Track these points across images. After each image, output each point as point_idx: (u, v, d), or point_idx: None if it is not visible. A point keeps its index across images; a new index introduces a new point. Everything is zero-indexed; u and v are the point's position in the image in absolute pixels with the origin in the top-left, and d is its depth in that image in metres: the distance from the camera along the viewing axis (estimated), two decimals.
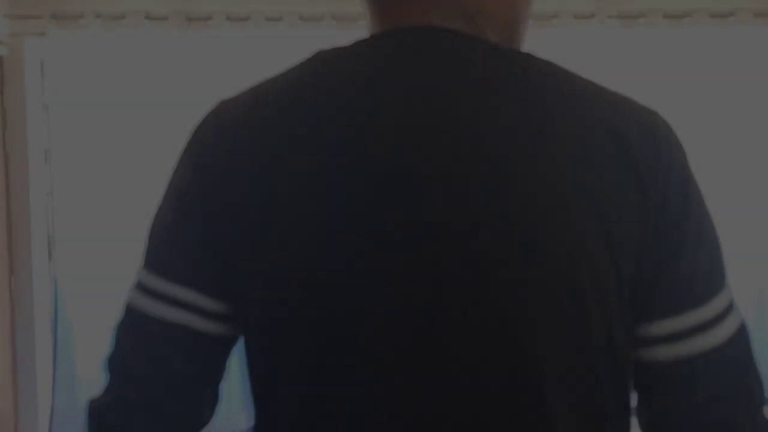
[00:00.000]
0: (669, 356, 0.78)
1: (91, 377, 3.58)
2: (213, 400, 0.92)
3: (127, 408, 0.90)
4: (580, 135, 0.79)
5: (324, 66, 0.87)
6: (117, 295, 3.69)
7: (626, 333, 0.77)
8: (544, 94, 0.83)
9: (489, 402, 0.74)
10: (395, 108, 0.77)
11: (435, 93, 0.78)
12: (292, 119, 0.81)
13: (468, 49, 0.82)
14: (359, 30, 3.64)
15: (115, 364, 0.94)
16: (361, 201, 0.75)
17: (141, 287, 0.94)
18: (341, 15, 3.63)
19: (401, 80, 0.79)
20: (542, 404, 0.73)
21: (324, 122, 0.79)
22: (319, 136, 0.78)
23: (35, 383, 3.69)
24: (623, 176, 0.79)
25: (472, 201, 0.75)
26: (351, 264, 0.75)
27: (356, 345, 0.75)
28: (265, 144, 0.81)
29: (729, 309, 0.80)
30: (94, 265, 3.55)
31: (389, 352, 0.74)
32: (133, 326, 0.92)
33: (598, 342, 0.76)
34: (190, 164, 0.89)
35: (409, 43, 0.81)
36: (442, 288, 0.74)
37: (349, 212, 0.75)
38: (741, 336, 0.79)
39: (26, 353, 3.67)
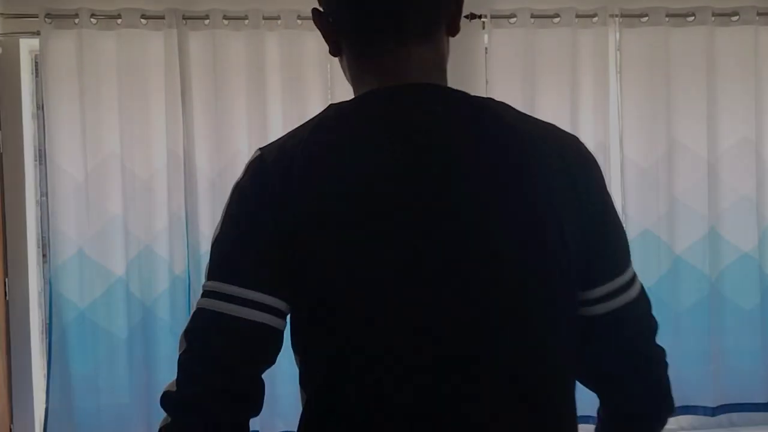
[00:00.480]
0: (604, 310, 1.14)
1: (86, 380, 3.54)
2: (263, 389, 1.13)
3: (221, 395, 1.05)
4: (538, 160, 1.08)
5: (345, 120, 1.11)
6: (112, 296, 3.68)
7: (571, 299, 1.11)
8: (508, 130, 1.11)
9: (499, 353, 1.05)
10: (404, 153, 1.06)
11: (429, 138, 1.09)
12: (332, 162, 1.07)
13: (449, 98, 1.17)
14: None
15: (199, 360, 1.07)
16: (388, 221, 1.04)
17: (214, 292, 1.07)
18: None
19: (404, 131, 1.08)
20: (534, 344, 1.08)
21: (354, 164, 1.06)
22: (351, 175, 1.05)
23: (30, 385, 3.67)
24: (566, 187, 1.08)
25: (471, 218, 1.05)
26: (392, 267, 1.03)
27: (396, 319, 1.03)
28: (315, 182, 1.05)
29: (635, 276, 1.19)
30: (89, 267, 3.53)
31: (431, 329, 1.03)
32: (212, 326, 1.06)
33: (554, 302, 1.08)
34: (249, 199, 1.09)
35: (407, 101, 1.12)
36: (464, 282, 1.04)
37: (377, 232, 1.04)
38: (644, 294, 1.18)
39: (21, 355, 3.65)
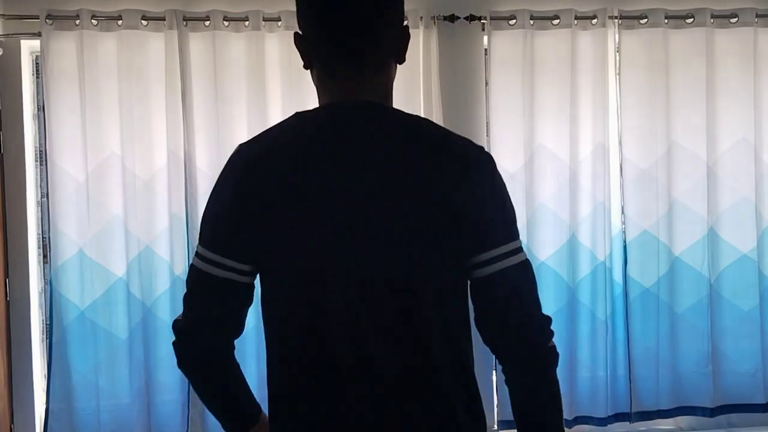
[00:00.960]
0: (491, 271, 1.40)
1: (86, 380, 3.55)
2: (243, 321, 1.52)
3: (208, 334, 1.49)
4: (442, 159, 1.40)
5: (303, 124, 1.48)
6: (113, 297, 3.67)
7: (462, 266, 1.42)
8: (424, 137, 1.44)
9: (390, 300, 1.38)
10: (344, 153, 1.41)
11: (366, 143, 1.42)
12: (287, 156, 1.42)
13: (383, 115, 1.46)
14: None
15: (192, 301, 1.49)
16: (332, 204, 1.38)
17: (201, 257, 1.47)
18: None
19: (347, 136, 1.43)
20: (434, 301, 1.40)
21: (305, 160, 1.41)
22: (302, 167, 1.40)
23: (31, 385, 3.68)
24: (463, 177, 1.39)
25: (387, 204, 1.38)
26: (328, 240, 1.38)
27: (330, 279, 1.38)
28: (274, 171, 1.41)
29: (519, 249, 1.43)
30: (90, 268, 3.54)
31: (356, 288, 1.38)
32: (199, 280, 1.47)
33: (452, 266, 1.41)
34: (229, 185, 1.44)
35: (351, 114, 1.45)
36: (379, 249, 1.38)
37: (318, 212, 1.39)
38: (527, 263, 1.43)
39: (21, 355, 3.65)
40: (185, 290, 1.50)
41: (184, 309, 1.50)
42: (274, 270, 1.44)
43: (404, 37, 1.48)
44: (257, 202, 1.39)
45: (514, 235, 1.44)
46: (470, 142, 1.48)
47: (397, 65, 1.49)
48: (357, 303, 1.37)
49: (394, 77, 1.51)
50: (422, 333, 1.39)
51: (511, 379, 1.45)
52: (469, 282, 1.44)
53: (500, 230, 1.43)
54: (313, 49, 1.47)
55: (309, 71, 1.53)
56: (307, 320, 1.41)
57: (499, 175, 1.46)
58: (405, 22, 1.50)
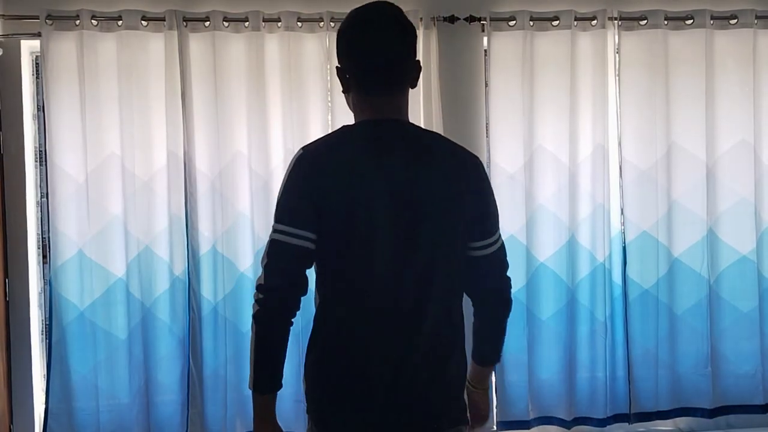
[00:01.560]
0: (482, 254, 1.95)
1: (85, 380, 3.56)
2: (308, 281, 1.89)
3: (286, 291, 1.86)
4: (452, 163, 1.90)
5: (351, 134, 1.93)
6: (112, 297, 3.67)
7: (464, 245, 1.92)
8: (437, 147, 1.94)
9: (423, 263, 1.83)
10: (380, 156, 1.86)
11: (395, 150, 1.87)
12: (343, 157, 1.86)
13: (406, 129, 1.93)
14: None
15: (274, 269, 1.85)
16: (373, 193, 1.82)
17: (280, 231, 1.85)
18: (339, 16, 3.61)
19: (382, 144, 1.87)
20: (442, 271, 1.86)
21: (354, 160, 1.85)
22: (353, 166, 1.84)
23: (30, 385, 3.68)
24: (465, 181, 1.89)
25: (416, 193, 1.83)
26: (371, 220, 1.81)
27: (366, 256, 1.83)
28: (333, 167, 1.84)
29: (500, 237, 1.99)
30: (89, 268, 3.54)
31: (389, 258, 1.82)
32: (279, 249, 1.84)
33: (456, 246, 1.89)
34: (300, 177, 1.85)
35: (384, 128, 1.90)
36: (407, 229, 1.83)
37: (366, 197, 1.82)
38: (503, 248, 2.00)
39: (21, 356, 3.65)
40: (265, 260, 1.87)
41: (265, 274, 1.86)
42: (328, 240, 1.84)
43: (417, 69, 1.96)
44: (323, 188, 1.82)
45: (498, 225, 2.01)
46: (469, 151, 1.98)
47: (411, 88, 1.96)
48: (396, 267, 1.84)
49: (408, 99, 1.96)
50: (442, 290, 1.88)
51: (483, 315, 2.06)
52: (465, 256, 1.95)
53: (494, 222, 1.99)
54: (352, 79, 1.91)
55: (345, 94, 1.98)
56: (358, 279, 1.86)
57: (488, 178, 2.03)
58: (417, 58, 1.97)
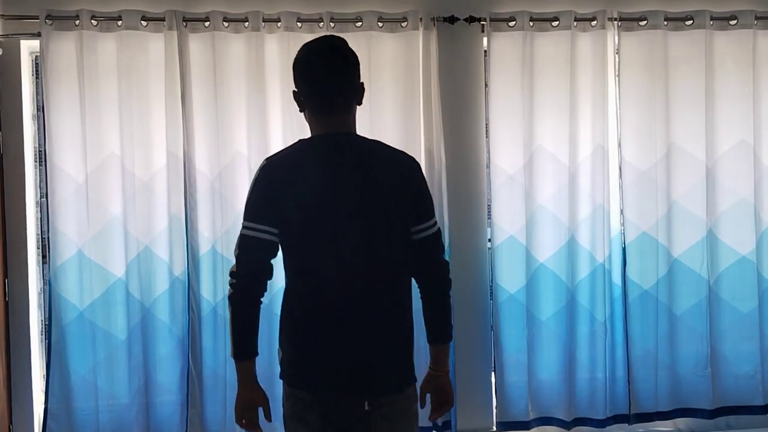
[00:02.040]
0: (421, 236, 2.27)
1: (85, 380, 3.56)
2: (272, 269, 2.25)
3: (253, 277, 2.23)
4: (390, 164, 2.27)
5: (306, 146, 2.27)
6: (112, 297, 3.67)
7: (406, 231, 2.25)
8: (377, 152, 2.29)
9: (373, 261, 2.20)
10: (331, 164, 2.22)
11: (346, 155, 2.23)
12: (299, 166, 2.20)
13: (352, 140, 2.27)
14: (354, 32, 3.62)
15: (243, 259, 2.22)
16: (326, 194, 2.18)
17: (248, 228, 2.21)
18: (339, 17, 3.61)
19: (332, 154, 2.22)
20: (385, 256, 2.22)
21: (310, 168, 2.20)
22: (309, 173, 2.18)
23: (29, 386, 3.67)
24: (400, 176, 2.25)
25: (360, 194, 2.20)
26: (321, 215, 2.17)
27: (321, 246, 2.18)
28: (292, 175, 2.18)
29: (436, 222, 2.31)
30: (89, 268, 3.54)
31: (335, 246, 2.19)
32: (248, 243, 2.21)
33: (398, 231, 2.22)
34: (264, 183, 2.20)
35: (334, 140, 2.24)
36: (355, 223, 2.18)
37: (320, 200, 2.17)
38: (439, 231, 2.33)
39: (20, 356, 3.65)
40: (237, 251, 2.24)
41: (237, 263, 2.24)
42: (292, 233, 2.20)
43: (361, 89, 2.30)
44: (283, 192, 2.18)
45: (433, 213, 2.34)
46: (406, 153, 2.37)
47: (357, 105, 2.31)
48: (347, 252, 2.19)
49: (355, 115, 2.32)
50: (390, 277, 2.25)
51: (428, 292, 2.36)
52: (406, 240, 2.28)
53: (430, 209, 2.32)
54: (305, 100, 2.27)
55: (302, 113, 2.32)
56: (314, 269, 2.21)
57: (423, 173, 2.38)
58: (361, 80, 2.30)
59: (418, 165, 2.34)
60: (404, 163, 2.31)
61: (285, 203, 2.17)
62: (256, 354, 2.29)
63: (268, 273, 2.24)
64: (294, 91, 2.28)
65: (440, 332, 2.40)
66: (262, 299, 2.26)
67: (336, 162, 2.22)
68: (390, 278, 2.24)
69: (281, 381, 2.32)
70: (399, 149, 2.37)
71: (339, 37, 2.33)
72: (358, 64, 2.29)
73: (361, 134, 2.35)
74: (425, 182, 2.34)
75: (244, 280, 2.22)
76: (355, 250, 2.19)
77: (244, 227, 2.22)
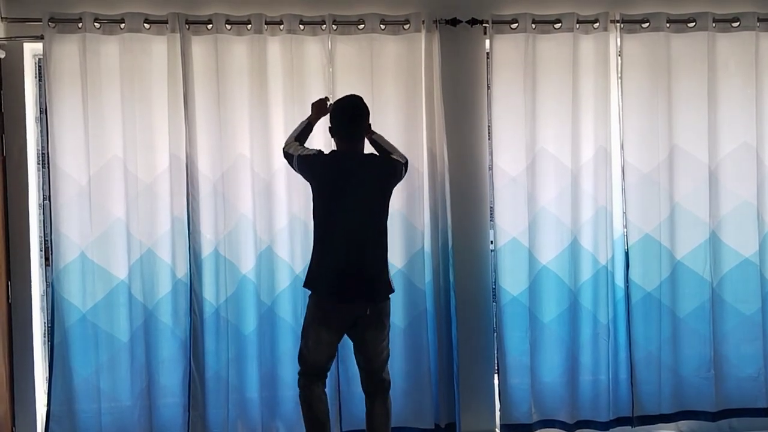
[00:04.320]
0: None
1: (87, 382, 3.56)
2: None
3: (299, 150, 3.45)
4: (379, 166, 3.39)
5: (332, 154, 3.39)
6: (114, 299, 3.68)
7: (387, 201, 3.36)
8: (375, 161, 3.42)
9: (367, 221, 3.29)
10: (343, 167, 3.32)
11: (352, 163, 3.33)
12: (328, 164, 3.34)
13: (361, 155, 3.39)
14: (357, 34, 3.62)
15: (295, 149, 3.42)
16: (340, 178, 3.29)
17: (297, 151, 3.39)
18: (342, 19, 3.62)
19: (346, 162, 3.34)
20: (376, 216, 3.33)
21: (332, 166, 3.34)
22: (331, 167, 3.34)
23: (32, 388, 3.68)
24: (385, 172, 3.36)
25: (360, 182, 3.28)
26: (336, 189, 3.27)
27: (336, 208, 3.27)
28: (324, 166, 3.34)
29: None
30: (92, 271, 3.54)
31: (345, 210, 3.26)
32: (300, 156, 3.37)
33: (382, 203, 3.33)
34: (311, 158, 3.35)
35: (348, 155, 3.36)
36: (355, 197, 3.28)
37: (336, 179, 3.29)
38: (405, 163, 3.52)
39: (23, 358, 3.65)
40: (291, 148, 3.39)
41: (290, 150, 3.39)
42: (317, 191, 3.29)
43: (368, 128, 3.39)
44: (317, 167, 3.31)
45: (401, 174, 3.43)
46: (393, 158, 3.38)
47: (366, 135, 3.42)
48: (348, 212, 3.23)
49: (365, 139, 3.39)
50: (378, 228, 3.30)
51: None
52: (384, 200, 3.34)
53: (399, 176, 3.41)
54: (335, 133, 3.36)
55: (332, 137, 3.43)
56: (330, 223, 3.25)
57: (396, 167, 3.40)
58: (369, 122, 3.40)
59: (401, 165, 3.38)
60: (385, 164, 3.35)
61: (316, 175, 3.29)
62: (312, 127, 3.49)
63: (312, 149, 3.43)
64: (329, 126, 3.38)
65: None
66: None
67: (350, 166, 3.29)
68: (375, 225, 3.27)
69: (308, 291, 3.30)
70: (384, 157, 3.41)
71: (358, 96, 3.38)
72: (368, 111, 3.36)
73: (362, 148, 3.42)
74: (400, 173, 3.36)
75: (289, 149, 3.39)
76: (353, 208, 3.22)
77: (296, 152, 3.34)
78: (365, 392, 3.35)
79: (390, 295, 3.31)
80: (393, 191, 3.36)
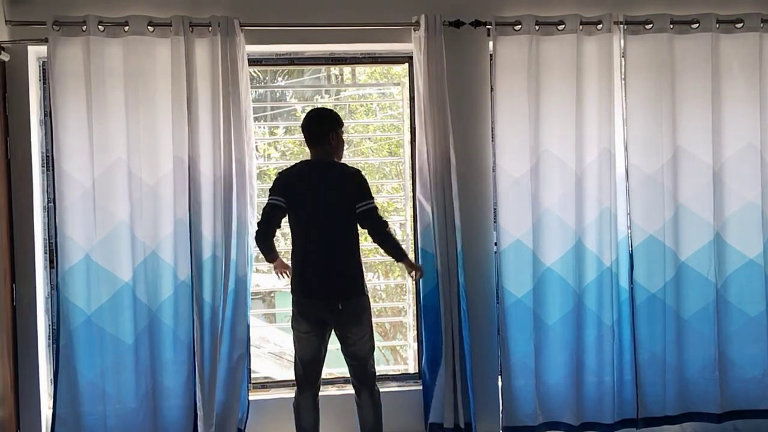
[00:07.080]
0: (362, 209, 3.49)
1: (92, 385, 3.56)
2: (281, 223, 3.62)
3: (269, 224, 3.55)
4: (344, 177, 3.53)
5: (301, 164, 3.60)
6: (119, 301, 3.68)
7: (352, 209, 3.50)
8: (339, 169, 3.56)
9: (333, 228, 3.49)
10: (311, 176, 3.52)
11: (319, 172, 3.53)
12: (296, 175, 3.56)
13: (328, 163, 3.56)
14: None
15: (265, 216, 3.52)
16: (308, 191, 3.50)
17: (271, 200, 3.51)
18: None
19: (313, 171, 3.54)
20: (340, 225, 3.51)
21: (300, 177, 3.54)
22: (300, 180, 3.53)
23: (37, 390, 3.68)
24: (349, 180, 3.52)
25: (325, 192, 3.49)
26: (304, 201, 3.49)
27: (305, 218, 3.51)
28: (292, 180, 3.55)
29: (373, 203, 3.52)
30: (96, 273, 3.55)
31: (312, 219, 3.49)
32: (270, 208, 3.51)
33: (348, 210, 3.50)
34: (278, 184, 3.54)
35: (314, 163, 3.57)
36: (322, 207, 3.49)
37: (304, 193, 3.50)
38: (376, 208, 3.54)
39: (28, 360, 3.66)
40: (262, 215, 3.51)
41: (260, 220, 3.52)
42: (291, 210, 3.49)
43: (331, 137, 3.54)
44: (287, 187, 3.48)
45: (369, 197, 3.47)
46: (353, 167, 3.58)
47: (334, 140, 3.57)
48: (320, 227, 3.45)
49: (335, 145, 3.57)
50: (344, 236, 3.49)
51: (374, 236, 3.54)
52: (350, 212, 3.48)
53: (366, 194, 3.47)
54: (306, 141, 3.62)
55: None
56: (302, 232, 3.49)
57: (364, 177, 3.55)
58: (337, 133, 3.58)
59: (358, 172, 3.58)
60: (349, 173, 3.52)
61: (287, 192, 3.49)
62: (276, 257, 3.67)
63: (278, 225, 3.55)
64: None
65: (396, 255, 3.59)
66: (273, 237, 3.59)
67: (318, 175, 3.49)
68: (342, 233, 3.48)
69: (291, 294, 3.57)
70: (348, 165, 3.59)
71: (321, 108, 3.72)
72: (330, 119, 3.57)
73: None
74: (364, 182, 3.50)
75: (263, 229, 3.53)
76: (322, 219, 3.44)
77: (271, 199, 3.50)
78: (353, 386, 3.59)
79: (362, 295, 3.53)
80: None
